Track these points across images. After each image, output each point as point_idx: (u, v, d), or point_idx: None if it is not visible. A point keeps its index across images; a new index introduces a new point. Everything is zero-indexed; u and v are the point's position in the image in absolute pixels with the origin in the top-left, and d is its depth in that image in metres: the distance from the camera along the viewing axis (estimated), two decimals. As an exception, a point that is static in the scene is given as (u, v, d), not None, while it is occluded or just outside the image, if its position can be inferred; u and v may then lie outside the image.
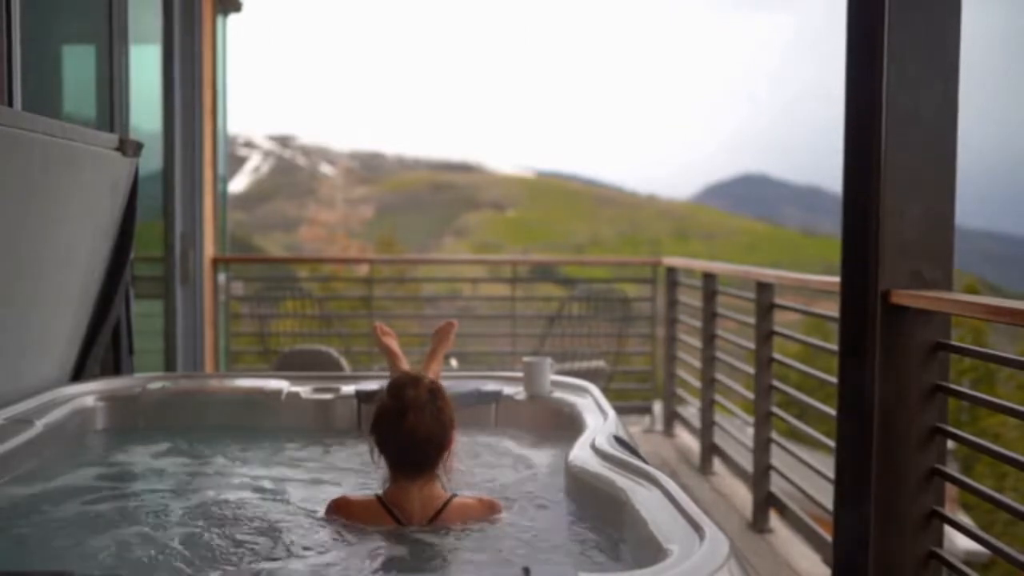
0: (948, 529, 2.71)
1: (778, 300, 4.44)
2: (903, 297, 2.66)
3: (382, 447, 2.29)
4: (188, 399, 3.52)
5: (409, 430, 2.24)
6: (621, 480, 2.25)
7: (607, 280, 7.57)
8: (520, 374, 3.54)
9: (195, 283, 6.00)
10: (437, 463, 2.29)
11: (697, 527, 1.85)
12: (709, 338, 5.43)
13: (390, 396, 2.30)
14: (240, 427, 3.36)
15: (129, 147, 3.37)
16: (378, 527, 2.23)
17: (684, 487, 2.59)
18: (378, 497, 2.29)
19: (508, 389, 3.50)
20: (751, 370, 4.58)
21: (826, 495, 3.25)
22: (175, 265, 5.85)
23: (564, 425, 3.16)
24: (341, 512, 2.31)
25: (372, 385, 3.38)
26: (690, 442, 6.02)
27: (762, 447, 4.38)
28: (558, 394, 3.44)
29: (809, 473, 4.04)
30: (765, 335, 4.41)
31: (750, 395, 4.61)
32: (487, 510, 2.32)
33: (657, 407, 6.73)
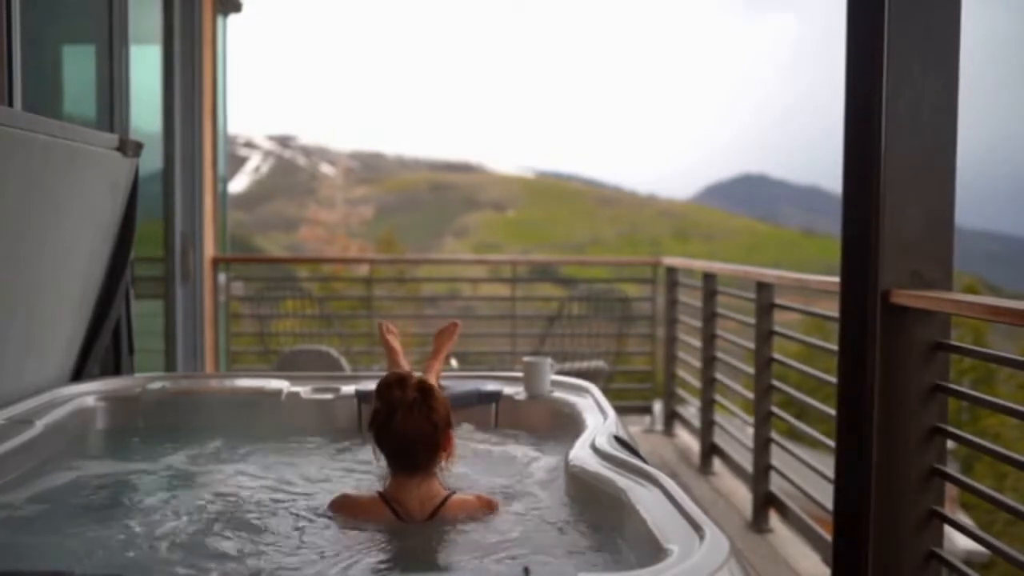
0: (948, 529, 2.71)
1: (778, 300, 4.44)
2: (903, 297, 2.66)
3: (379, 446, 2.35)
4: (188, 399, 3.52)
5: (398, 429, 2.28)
6: (621, 480, 2.25)
7: (607, 280, 7.57)
8: (520, 374, 3.54)
9: (195, 283, 6.01)
10: (433, 461, 2.33)
11: (697, 527, 1.85)
12: (709, 338, 5.43)
13: (377, 397, 2.35)
14: (240, 427, 3.35)
15: (129, 147, 3.36)
16: (379, 523, 2.27)
17: (684, 487, 2.59)
18: (380, 493, 2.33)
19: (508, 389, 3.50)
20: (751, 370, 4.58)
21: (826, 495, 3.25)
22: (175, 265, 5.85)
23: (564, 425, 3.16)
24: (344, 509, 2.34)
25: (372, 385, 3.37)
26: (690, 442, 6.02)
27: (762, 447, 4.38)
28: (558, 394, 3.44)
29: (809, 473, 4.04)
30: (765, 335, 4.42)
31: (750, 395, 4.62)
32: (484, 507, 2.37)
33: (657, 407, 6.74)
